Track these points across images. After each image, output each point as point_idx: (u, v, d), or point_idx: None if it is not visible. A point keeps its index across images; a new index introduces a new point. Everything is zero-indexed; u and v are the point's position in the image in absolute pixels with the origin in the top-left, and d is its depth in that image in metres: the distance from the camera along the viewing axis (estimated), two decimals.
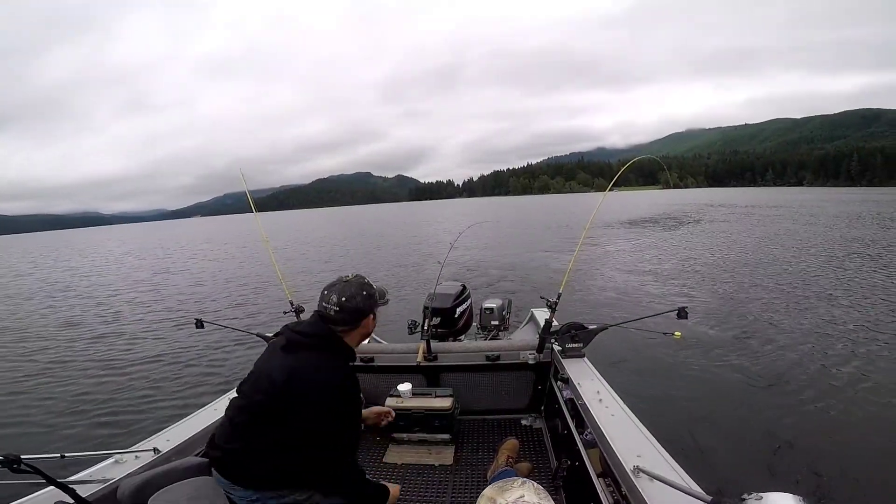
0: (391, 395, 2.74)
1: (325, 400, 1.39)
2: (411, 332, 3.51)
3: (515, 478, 1.21)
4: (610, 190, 4.17)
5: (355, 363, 1.70)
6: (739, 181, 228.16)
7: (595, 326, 2.85)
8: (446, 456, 2.60)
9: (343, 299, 1.50)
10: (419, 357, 2.73)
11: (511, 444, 2.51)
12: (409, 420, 2.63)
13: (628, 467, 1.59)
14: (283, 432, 1.39)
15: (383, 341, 2.42)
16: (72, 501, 1.35)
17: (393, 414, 2.02)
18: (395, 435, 2.69)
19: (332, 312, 1.50)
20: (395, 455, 2.65)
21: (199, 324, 3.24)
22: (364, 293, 1.55)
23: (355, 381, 1.53)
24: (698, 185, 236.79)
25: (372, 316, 1.59)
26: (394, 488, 1.69)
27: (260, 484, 1.46)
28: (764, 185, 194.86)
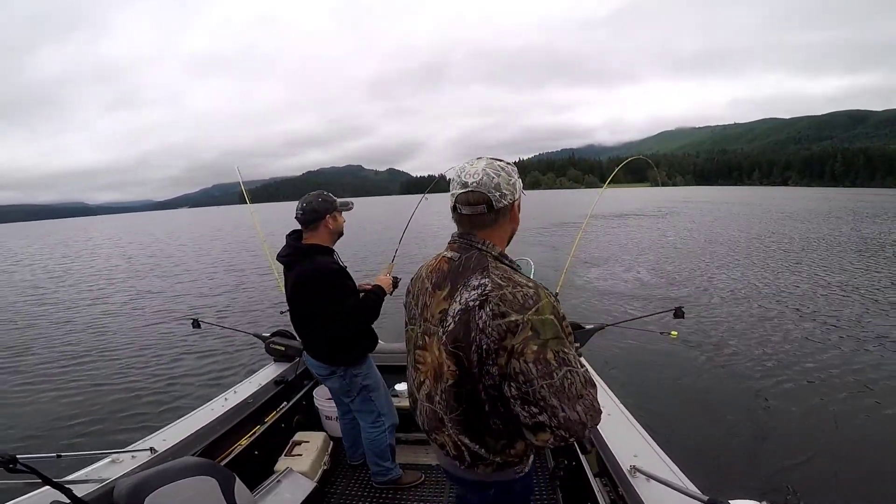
0: (390, 395, 2.74)
1: (322, 280, 1.93)
2: None
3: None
4: (604, 188, 4.20)
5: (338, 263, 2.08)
6: (727, 180, 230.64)
7: (592, 326, 2.87)
8: None
9: (304, 205, 1.99)
10: None
11: None
12: (407, 420, 2.62)
13: (625, 467, 1.61)
14: (311, 312, 2.01)
15: (382, 341, 2.41)
16: (68, 501, 1.33)
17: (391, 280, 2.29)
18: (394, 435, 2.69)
19: (298, 215, 2.01)
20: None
21: (196, 323, 3.21)
22: (319, 199, 2.00)
23: (338, 266, 2.02)
24: (686, 184, 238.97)
25: (329, 216, 2.01)
26: (383, 281, 2.18)
27: (323, 358, 2.12)
28: (750, 185, 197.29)
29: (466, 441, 1.07)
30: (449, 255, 1.11)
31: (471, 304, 0.97)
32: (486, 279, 0.99)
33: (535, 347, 0.90)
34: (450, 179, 1.12)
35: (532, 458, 1.18)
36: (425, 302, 1.13)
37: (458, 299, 1.01)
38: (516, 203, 1.10)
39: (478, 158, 1.09)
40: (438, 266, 1.13)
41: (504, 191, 1.05)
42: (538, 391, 0.89)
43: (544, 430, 0.92)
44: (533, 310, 0.93)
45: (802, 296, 8.24)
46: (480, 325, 0.95)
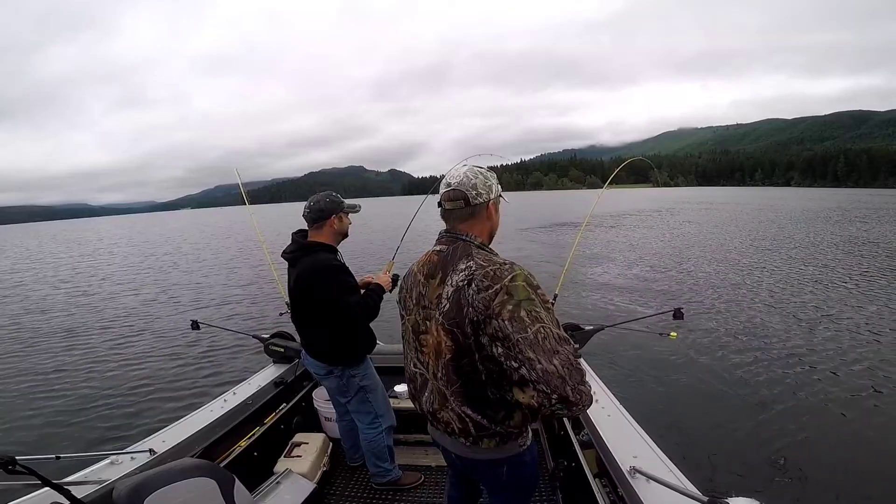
0: (388, 396, 2.74)
1: (324, 275, 1.99)
2: None
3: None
4: (604, 189, 4.20)
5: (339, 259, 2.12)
6: (729, 181, 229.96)
7: (591, 327, 2.87)
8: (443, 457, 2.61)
9: (312, 203, 2.06)
10: None
11: None
12: (406, 421, 2.63)
13: (624, 468, 1.60)
14: (312, 309, 2.07)
15: (380, 342, 2.42)
16: (67, 503, 1.34)
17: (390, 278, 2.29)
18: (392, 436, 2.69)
19: (306, 213, 2.07)
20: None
21: (195, 325, 3.21)
22: (328, 199, 2.07)
23: (340, 263, 2.08)
24: (688, 185, 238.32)
25: (335, 216, 2.07)
26: (383, 279, 2.20)
27: (321, 357, 2.15)
28: (752, 185, 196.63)
29: (469, 411, 1.17)
30: (438, 249, 1.26)
31: (460, 284, 1.12)
32: (472, 262, 1.14)
33: (510, 307, 1.02)
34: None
35: (531, 432, 1.30)
36: (420, 292, 1.26)
37: (449, 283, 1.15)
38: (491, 203, 1.26)
39: (462, 164, 1.29)
40: (429, 259, 1.27)
41: (480, 190, 1.23)
42: (515, 345, 1.00)
43: (528, 385, 1.02)
44: (508, 278, 1.07)
45: (802, 296, 8.22)
46: (469, 300, 1.09)
